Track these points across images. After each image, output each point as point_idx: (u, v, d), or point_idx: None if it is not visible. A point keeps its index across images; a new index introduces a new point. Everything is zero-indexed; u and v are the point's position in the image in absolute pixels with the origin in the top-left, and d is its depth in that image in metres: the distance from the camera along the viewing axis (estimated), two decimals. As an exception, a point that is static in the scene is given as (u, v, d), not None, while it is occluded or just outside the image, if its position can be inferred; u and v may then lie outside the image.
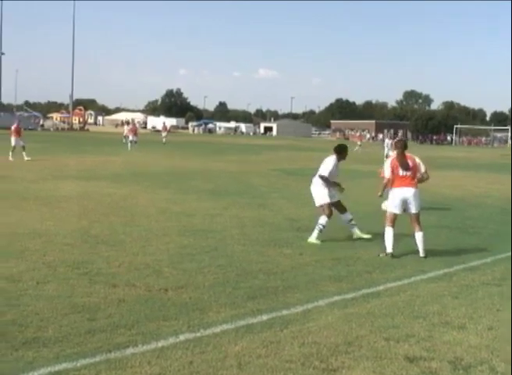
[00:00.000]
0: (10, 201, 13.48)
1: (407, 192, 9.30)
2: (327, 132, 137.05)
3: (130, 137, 40.50)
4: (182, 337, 5.39)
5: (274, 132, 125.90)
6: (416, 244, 9.38)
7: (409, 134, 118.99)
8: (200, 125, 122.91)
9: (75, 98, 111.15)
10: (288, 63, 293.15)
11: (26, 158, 25.86)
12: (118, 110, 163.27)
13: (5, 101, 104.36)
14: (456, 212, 14.76)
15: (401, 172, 9.35)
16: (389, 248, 9.24)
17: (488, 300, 7.06)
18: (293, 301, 6.66)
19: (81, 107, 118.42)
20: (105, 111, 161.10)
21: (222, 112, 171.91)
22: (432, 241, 10.53)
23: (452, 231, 11.82)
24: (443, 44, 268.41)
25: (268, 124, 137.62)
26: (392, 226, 9.34)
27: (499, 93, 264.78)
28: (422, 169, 9.59)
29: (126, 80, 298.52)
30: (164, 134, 52.86)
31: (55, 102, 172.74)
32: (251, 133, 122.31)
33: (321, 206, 10.32)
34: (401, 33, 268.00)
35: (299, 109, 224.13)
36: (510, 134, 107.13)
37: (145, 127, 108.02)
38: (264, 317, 6.07)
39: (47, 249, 8.70)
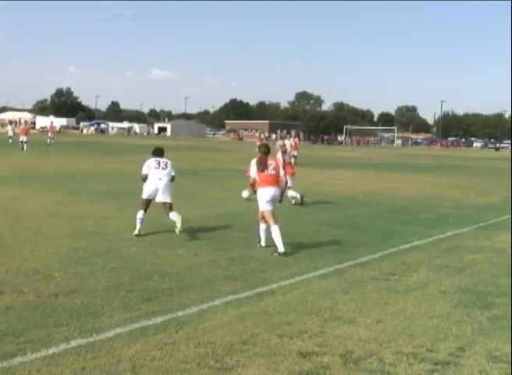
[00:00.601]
0: None
1: (274, 191, 9.89)
2: (221, 132, 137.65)
3: (21, 138, 39.06)
4: (73, 343, 5.25)
5: (168, 132, 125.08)
6: (273, 238, 9.58)
7: (301, 134, 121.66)
8: (92, 125, 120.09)
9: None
10: (182, 63, 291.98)
11: None
12: (4, 109, 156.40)
13: None
14: (346, 210, 15.24)
15: (266, 172, 9.89)
16: (263, 241, 9.96)
17: (376, 294, 7.34)
18: (188, 302, 6.65)
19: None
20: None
21: (115, 112, 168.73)
22: (322, 239, 10.87)
23: (342, 228, 12.19)
24: (332, 45, 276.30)
25: (162, 124, 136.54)
26: (264, 221, 9.87)
27: (386, 94, 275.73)
28: (281, 171, 10.46)
29: (12, 77, 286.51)
30: (50, 135, 50.79)
31: None
32: (145, 134, 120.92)
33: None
34: (292, 33, 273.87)
35: (193, 110, 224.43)
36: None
37: (34, 127, 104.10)
38: (159, 319, 6.02)
39: None
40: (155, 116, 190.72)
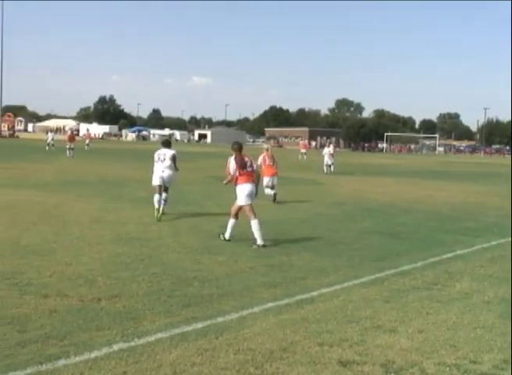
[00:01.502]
0: None
1: (251, 186, 10.72)
2: (261, 139, 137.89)
3: (68, 145, 39.99)
4: (115, 347, 5.32)
5: (208, 139, 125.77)
6: (253, 231, 10.39)
7: (341, 142, 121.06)
8: (134, 132, 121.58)
9: (4, 104, 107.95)
10: (222, 70, 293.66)
11: None
12: (49, 117, 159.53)
13: None
14: (388, 218, 15.10)
15: (244, 169, 10.71)
16: (228, 234, 10.64)
17: (418, 303, 7.25)
18: (228, 309, 6.67)
19: (10, 113, 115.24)
20: (36, 117, 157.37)
21: (156, 120, 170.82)
22: (363, 247, 10.78)
23: (383, 236, 12.08)
24: (373, 53, 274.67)
25: (202, 131, 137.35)
26: (237, 218, 10.72)
27: (427, 101, 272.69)
28: (255, 163, 11.32)
29: (57, 86, 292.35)
30: (87, 142, 51.87)
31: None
32: (185, 141, 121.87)
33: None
34: (332, 41, 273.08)
35: (233, 117, 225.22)
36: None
37: (78, 134, 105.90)
38: (199, 325, 6.05)
39: (-26, 260, 8.43)
40: (196, 123, 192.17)
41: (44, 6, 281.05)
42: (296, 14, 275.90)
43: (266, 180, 18.02)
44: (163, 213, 13.15)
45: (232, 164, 10.81)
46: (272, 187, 18.03)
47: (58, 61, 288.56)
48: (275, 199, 17.38)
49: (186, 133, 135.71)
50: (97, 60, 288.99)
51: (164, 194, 13.49)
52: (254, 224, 10.40)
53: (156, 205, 13.09)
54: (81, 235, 10.70)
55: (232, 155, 10.98)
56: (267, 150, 19.29)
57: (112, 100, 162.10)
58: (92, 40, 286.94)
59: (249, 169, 10.81)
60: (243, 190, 10.63)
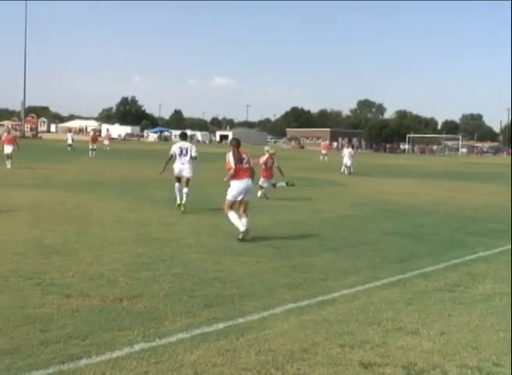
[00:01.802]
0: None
1: (247, 182, 11.03)
2: (282, 140, 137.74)
3: (91, 146, 40.44)
4: (137, 347, 5.34)
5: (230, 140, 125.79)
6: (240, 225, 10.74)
7: (363, 143, 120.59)
8: (156, 133, 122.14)
9: (27, 105, 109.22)
10: (243, 71, 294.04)
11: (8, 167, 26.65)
12: (71, 117, 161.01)
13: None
14: (409, 219, 14.99)
15: (239, 165, 11.00)
16: (242, 227, 10.72)
17: (440, 306, 7.19)
18: (249, 309, 6.66)
19: (33, 114, 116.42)
20: (59, 118, 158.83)
21: (178, 120, 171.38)
22: (385, 248, 10.72)
23: (405, 238, 12.00)
24: (394, 53, 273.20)
25: (224, 132, 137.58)
26: (232, 208, 11.01)
27: (450, 102, 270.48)
28: (251, 162, 11.42)
29: (79, 87, 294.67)
30: (106, 142, 52.31)
31: (7, 109, 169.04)
32: (207, 142, 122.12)
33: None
34: (354, 43, 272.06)
35: (255, 118, 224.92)
36: None
37: (100, 135, 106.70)
38: (220, 325, 6.06)
39: (-2, 259, 8.52)
40: (217, 124, 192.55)
41: (67, 6, 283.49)
42: (320, 15, 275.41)
43: (261, 181, 18.62)
44: (184, 206, 14.27)
45: (231, 159, 11.08)
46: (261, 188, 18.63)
47: (80, 62, 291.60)
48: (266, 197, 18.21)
49: (207, 134, 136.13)
50: (119, 61, 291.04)
51: (185, 189, 14.55)
52: (231, 215, 10.89)
53: (177, 195, 14.61)
54: (103, 235, 10.77)
55: (230, 150, 11.28)
56: (268, 152, 19.65)
57: (133, 101, 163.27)
58: (114, 41, 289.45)
59: (246, 165, 11.10)
60: (238, 185, 10.98)
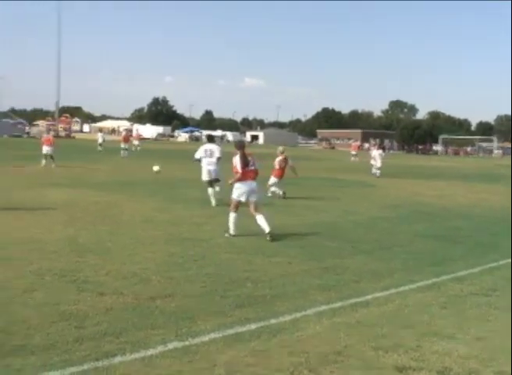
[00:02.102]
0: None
1: (251, 183, 11.25)
2: (313, 141, 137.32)
3: (123, 145, 40.80)
4: (170, 346, 5.36)
5: (260, 140, 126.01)
6: (260, 225, 10.96)
7: (395, 144, 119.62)
8: (187, 133, 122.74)
9: (61, 105, 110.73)
10: (274, 72, 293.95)
11: (53, 165, 27.49)
12: (104, 118, 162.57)
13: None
14: (443, 222, 14.81)
15: (247, 168, 11.21)
16: (232, 230, 11.08)
17: (476, 310, 7.08)
18: (281, 310, 6.64)
19: (67, 114, 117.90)
20: (91, 118, 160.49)
21: (209, 121, 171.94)
22: (418, 250, 10.61)
23: (438, 240, 11.86)
24: (428, 54, 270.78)
25: (254, 133, 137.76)
26: (236, 211, 11.21)
27: (484, 103, 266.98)
28: (257, 164, 11.61)
29: (111, 88, 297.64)
30: (136, 142, 52.49)
31: (41, 109, 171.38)
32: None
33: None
34: (386, 43, 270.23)
35: (285, 118, 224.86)
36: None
37: (132, 135, 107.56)
38: (253, 326, 6.04)
39: (33, 257, 8.63)
40: (248, 124, 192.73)
41: (98, 7, 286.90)
42: (352, 15, 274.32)
43: (273, 180, 18.73)
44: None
45: (238, 163, 11.25)
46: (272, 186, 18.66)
47: (113, 63, 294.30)
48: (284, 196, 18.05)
49: (238, 134, 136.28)
50: (151, 62, 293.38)
51: (217, 188, 15.48)
52: (232, 216, 11.15)
53: (212, 201, 15.22)
54: (135, 235, 10.84)
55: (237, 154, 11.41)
56: (281, 153, 19.47)
57: (164, 101, 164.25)
58: (146, 41, 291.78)
59: (251, 167, 11.32)
60: (243, 187, 11.19)
